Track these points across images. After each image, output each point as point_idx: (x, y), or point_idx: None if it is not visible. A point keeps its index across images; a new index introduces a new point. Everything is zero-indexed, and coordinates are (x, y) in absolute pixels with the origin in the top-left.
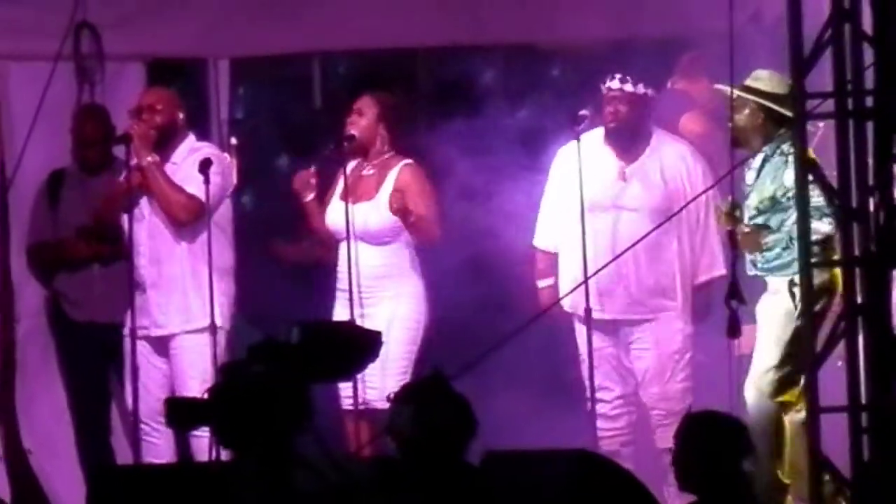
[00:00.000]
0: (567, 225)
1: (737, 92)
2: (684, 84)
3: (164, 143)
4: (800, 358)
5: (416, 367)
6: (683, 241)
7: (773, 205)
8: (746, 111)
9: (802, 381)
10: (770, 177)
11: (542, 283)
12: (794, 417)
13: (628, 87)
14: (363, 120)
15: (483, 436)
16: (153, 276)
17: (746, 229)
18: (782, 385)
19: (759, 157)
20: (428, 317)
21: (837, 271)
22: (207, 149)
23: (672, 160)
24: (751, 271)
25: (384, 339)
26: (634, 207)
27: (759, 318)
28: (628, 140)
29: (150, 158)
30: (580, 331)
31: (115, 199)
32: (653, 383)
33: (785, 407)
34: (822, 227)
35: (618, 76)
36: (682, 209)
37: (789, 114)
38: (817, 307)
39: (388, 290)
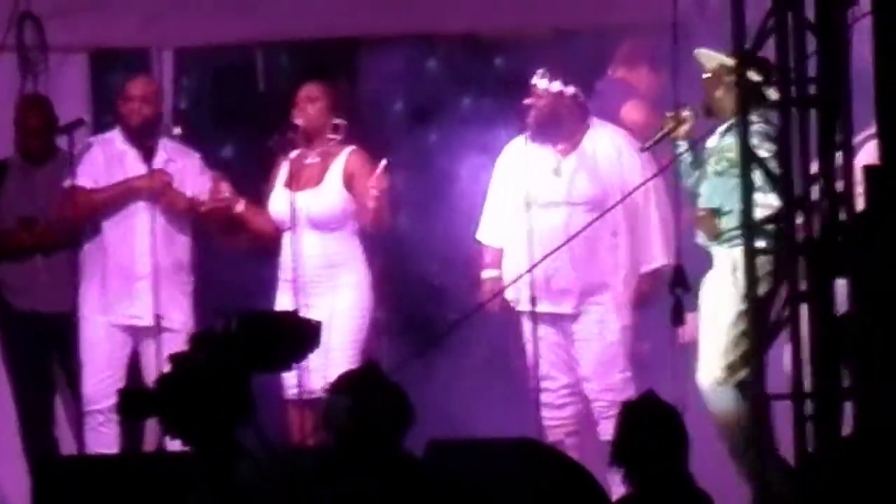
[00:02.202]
0: (510, 221)
1: (714, 58)
2: (624, 72)
3: (148, 133)
4: (746, 338)
5: (362, 357)
6: (620, 233)
7: (731, 167)
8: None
9: None
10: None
11: (486, 275)
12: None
13: (545, 84)
14: (313, 108)
15: (430, 425)
16: (146, 267)
17: (701, 213)
18: (733, 369)
19: (727, 124)
20: (374, 307)
21: None
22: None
23: (606, 151)
24: (697, 238)
25: (329, 328)
26: (570, 202)
27: (703, 300)
28: (551, 137)
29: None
30: (524, 322)
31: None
32: (594, 376)
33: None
34: (772, 200)
35: (541, 71)
36: (619, 202)
37: (758, 78)
38: (762, 290)
39: (334, 279)
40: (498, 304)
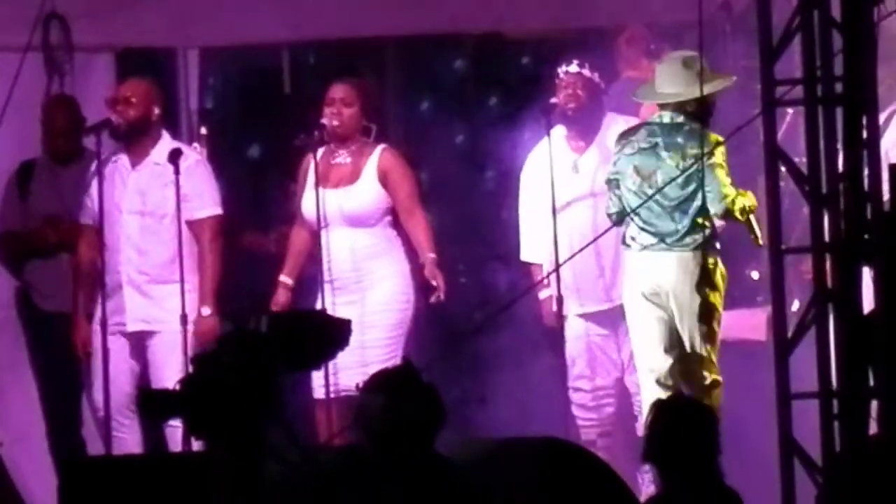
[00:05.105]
0: (544, 230)
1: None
2: (631, 71)
3: (136, 136)
4: None
5: (405, 349)
6: None
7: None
8: None
9: None
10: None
11: (543, 295)
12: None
13: (585, 72)
14: (346, 110)
15: (465, 423)
16: (131, 271)
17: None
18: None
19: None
20: (416, 298)
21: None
22: (185, 150)
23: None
24: None
25: (363, 326)
26: (594, 194)
27: None
28: (583, 126)
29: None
30: (569, 325)
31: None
32: (635, 370)
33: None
34: None
35: (575, 61)
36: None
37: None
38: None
39: (370, 274)
40: (549, 315)
